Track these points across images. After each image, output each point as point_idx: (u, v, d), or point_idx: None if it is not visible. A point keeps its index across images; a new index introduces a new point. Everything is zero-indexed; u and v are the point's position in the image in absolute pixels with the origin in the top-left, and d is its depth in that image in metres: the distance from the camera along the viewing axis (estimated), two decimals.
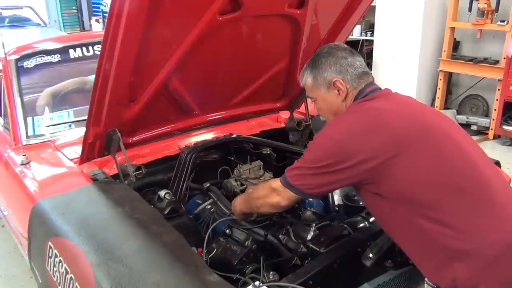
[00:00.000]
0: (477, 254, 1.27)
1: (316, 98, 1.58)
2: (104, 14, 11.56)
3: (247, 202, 1.70)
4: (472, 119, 5.46)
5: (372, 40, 6.23)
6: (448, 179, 1.32)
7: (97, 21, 11.92)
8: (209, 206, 1.94)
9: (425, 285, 1.46)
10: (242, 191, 2.07)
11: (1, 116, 2.69)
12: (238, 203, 1.75)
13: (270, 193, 1.55)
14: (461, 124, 5.19)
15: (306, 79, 1.58)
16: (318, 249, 1.59)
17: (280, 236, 1.75)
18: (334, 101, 1.54)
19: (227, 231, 1.76)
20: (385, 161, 1.32)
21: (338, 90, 1.51)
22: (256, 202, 1.63)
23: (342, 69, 1.51)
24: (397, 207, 1.36)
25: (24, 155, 2.13)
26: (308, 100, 2.33)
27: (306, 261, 1.63)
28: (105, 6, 11.47)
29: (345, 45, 1.60)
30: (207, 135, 2.30)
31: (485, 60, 5.26)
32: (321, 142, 1.45)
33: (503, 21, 4.92)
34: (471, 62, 5.32)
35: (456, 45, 5.71)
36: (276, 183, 1.53)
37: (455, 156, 1.36)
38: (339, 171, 1.37)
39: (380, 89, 1.52)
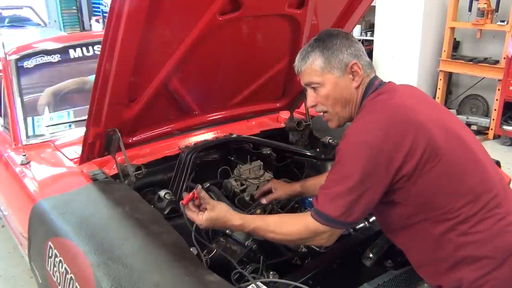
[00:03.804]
0: (487, 257, 1.26)
1: (323, 84, 1.41)
2: (104, 14, 11.57)
3: (261, 235, 1.44)
4: (472, 119, 5.46)
5: (372, 40, 6.24)
6: (468, 186, 1.29)
7: (97, 21, 11.93)
8: None
9: (425, 285, 1.46)
10: (242, 191, 2.07)
11: (1, 116, 2.69)
12: (244, 228, 1.44)
13: (311, 236, 1.34)
14: None
15: (314, 61, 1.40)
16: (318, 249, 1.59)
17: None
18: (348, 86, 1.40)
19: (227, 231, 1.76)
20: (419, 162, 1.24)
21: (353, 75, 1.40)
22: (283, 239, 1.42)
23: (357, 53, 1.40)
24: (414, 214, 1.32)
25: (24, 155, 2.13)
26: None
27: (306, 261, 1.63)
28: (105, 6, 11.48)
29: None
30: (207, 135, 2.30)
31: (485, 60, 5.27)
32: (355, 150, 1.26)
33: (503, 21, 4.92)
34: (471, 62, 5.33)
35: (456, 45, 5.71)
36: (315, 224, 1.31)
37: (471, 161, 1.33)
38: (383, 177, 1.24)
39: (384, 82, 1.46)
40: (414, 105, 1.34)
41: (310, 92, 1.47)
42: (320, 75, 1.41)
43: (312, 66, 1.42)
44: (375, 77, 1.45)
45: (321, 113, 1.51)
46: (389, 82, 1.47)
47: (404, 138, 1.24)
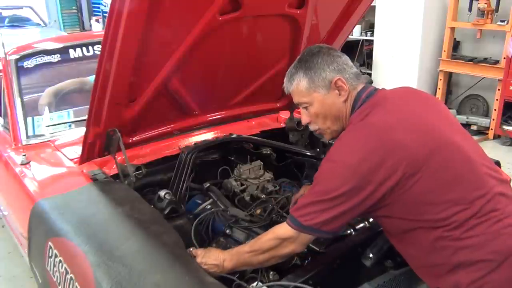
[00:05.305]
0: (483, 261, 1.26)
1: (312, 103, 1.45)
2: (104, 14, 11.58)
3: (243, 260, 1.47)
4: (472, 119, 5.46)
5: (372, 40, 6.24)
6: (460, 194, 1.28)
7: (97, 21, 11.94)
8: (209, 206, 1.93)
9: (425, 285, 1.46)
10: (242, 191, 2.07)
11: (1, 116, 2.69)
12: (228, 261, 1.46)
13: (281, 244, 1.39)
14: (461, 125, 5.20)
15: (299, 82, 1.44)
16: (318, 249, 1.59)
17: None
18: (335, 102, 1.43)
19: (227, 231, 1.76)
20: (400, 180, 1.25)
21: (339, 90, 1.42)
22: (260, 257, 1.43)
23: (340, 67, 1.42)
24: (405, 224, 1.33)
25: (24, 155, 2.13)
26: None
27: (306, 261, 1.63)
28: (105, 6, 11.49)
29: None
30: (207, 135, 2.30)
31: (485, 60, 5.27)
32: (332, 170, 1.32)
33: (503, 21, 4.92)
34: (471, 62, 5.33)
35: (456, 45, 5.71)
36: (284, 230, 1.37)
37: (464, 167, 1.32)
38: (357, 197, 1.27)
39: (376, 89, 1.45)
40: (400, 121, 1.33)
41: (303, 111, 1.51)
42: (307, 95, 1.45)
43: (298, 88, 1.46)
44: (363, 89, 1.44)
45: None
46: (379, 90, 1.45)
47: (383, 161, 1.25)
